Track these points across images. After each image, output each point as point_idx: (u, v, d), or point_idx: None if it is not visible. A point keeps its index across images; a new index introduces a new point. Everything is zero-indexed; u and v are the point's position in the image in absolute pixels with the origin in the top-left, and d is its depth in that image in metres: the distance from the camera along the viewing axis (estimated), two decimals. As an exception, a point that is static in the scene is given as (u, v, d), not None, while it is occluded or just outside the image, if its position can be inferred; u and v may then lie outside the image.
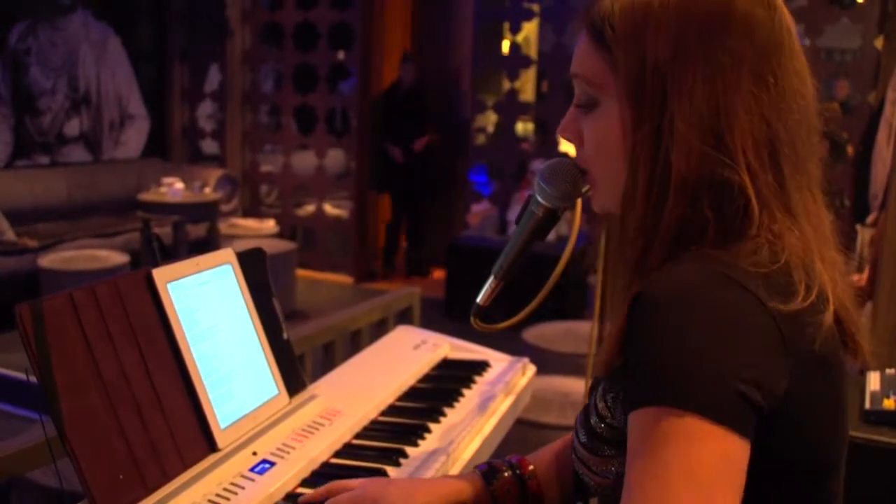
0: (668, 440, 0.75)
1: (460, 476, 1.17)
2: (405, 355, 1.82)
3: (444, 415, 1.55)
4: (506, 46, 7.05)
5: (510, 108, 6.43)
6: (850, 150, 4.96)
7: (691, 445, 0.74)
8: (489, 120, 9.14)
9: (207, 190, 5.96)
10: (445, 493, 1.11)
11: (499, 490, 1.14)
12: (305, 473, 1.29)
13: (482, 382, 1.73)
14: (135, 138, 6.85)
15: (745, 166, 0.83)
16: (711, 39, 0.83)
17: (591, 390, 0.99)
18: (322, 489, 1.16)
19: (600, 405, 0.94)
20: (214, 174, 6.55)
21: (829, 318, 0.83)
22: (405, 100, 6.33)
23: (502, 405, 1.66)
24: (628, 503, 0.76)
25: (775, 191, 0.85)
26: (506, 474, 1.15)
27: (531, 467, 1.17)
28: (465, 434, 1.47)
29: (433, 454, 1.39)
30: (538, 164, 5.74)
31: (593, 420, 0.94)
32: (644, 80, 0.84)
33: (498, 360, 1.86)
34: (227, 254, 1.40)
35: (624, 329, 0.83)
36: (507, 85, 6.48)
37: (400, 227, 6.72)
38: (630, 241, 0.87)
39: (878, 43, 4.78)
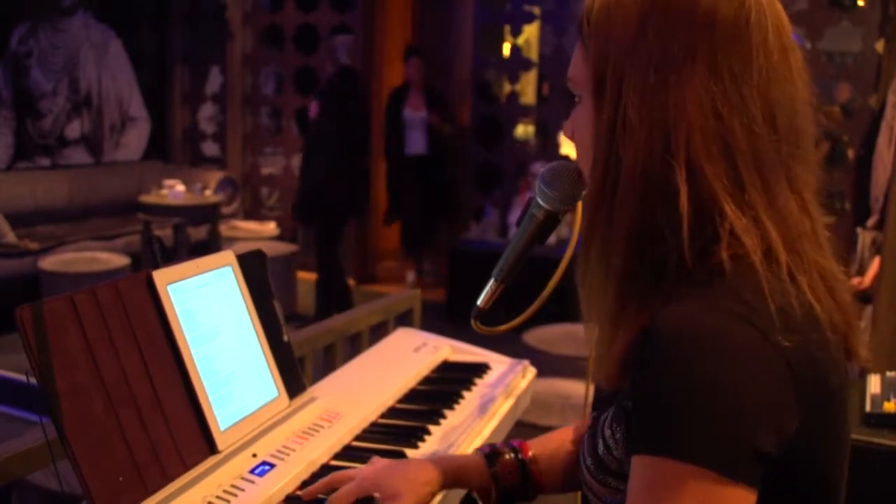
0: (676, 493, 0.74)
1: (461, 456, 1.17)
2: (405, 357, 1.82)
3: (444, 417, 1.55)
4: (506, 49, 7.04)
5: (511, 110, 6.43)
6: (850, 153, 4.96)
7: (700, 498, 0.73)
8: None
9: (208, 192, 5.96)
10: (445, 471, 1.12)
11: (500, 472, 1.14)
12: (305, 475, 1.29)
13: (482, 385, 1.73)
14: (136, 140, 6.85)
15: (685, 165, 0.80)
16: (670, 32, 0.82)
17: (598, 412, 0.98)
18: (325, 480, 1.16)
19: (607, 433, 0.93)
20: (215, 176, 6.55)
21: (828, 337, 0.82)
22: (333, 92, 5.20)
23: (502, 407, 1.66)
24: None
25: (727, 186, 0.81)
26: (507, 457, 1.16)
27: (531, 452, 1.17)
28: (465, 436, 1.47)
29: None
30: (539, 167, 5.75)
31: (600, 449, 0.94)
32: (606, 70, 0.84)
33: (498, 363, 1.86)
34: (228, 256, 1.40)
35: (626, 350, 0.82)
36: (507, 87, 6.49)
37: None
38: (589, 235, 0.86)
39: (879, 46, 4.78)
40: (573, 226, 1.24)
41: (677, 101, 0.81)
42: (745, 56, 0.82)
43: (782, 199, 0.83)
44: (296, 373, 1.48)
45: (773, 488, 0.78)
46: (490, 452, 1.16)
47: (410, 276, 6.56)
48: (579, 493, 1.14)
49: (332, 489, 1.14)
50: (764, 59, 0.83)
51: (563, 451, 1.20)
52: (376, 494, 1.09)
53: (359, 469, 1.15)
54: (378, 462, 1.16)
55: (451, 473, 1.12)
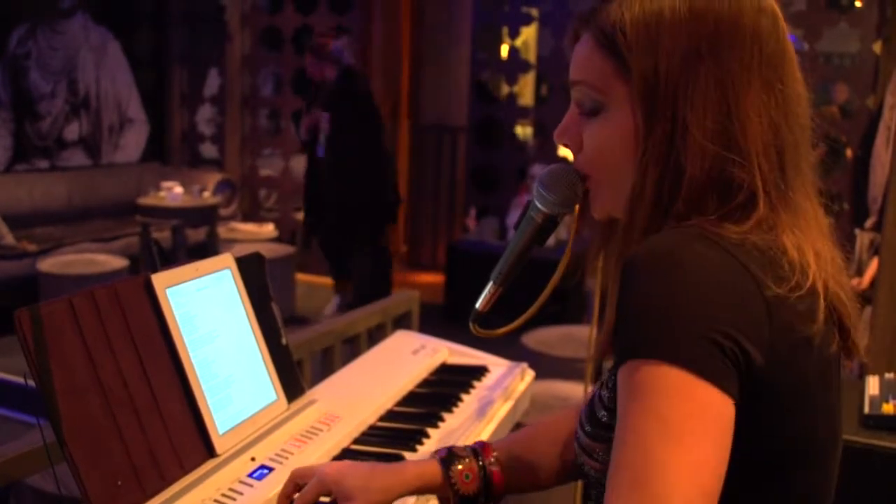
0: (647, 392, 0.76)
1: (421, 461, 1.15)
2: (404, 360, 1.82)
3: (442, 420, 1.55)
4: (505, 51, 7.05)
5: (509, 112, 6.44)
6: (849, 154, 4.96)
7: (670, 396, 0.75)
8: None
9: (206, 194, 5.96)
10: (404, 479, 1.10)
11: (457, 476, 1.12)
12: (304, 479, 1.29)
13: (481, 387, 1.73)
14: (134, 142, 6.85)
15: (757, 167, 0.86)
16: (722, 47, 0.86)
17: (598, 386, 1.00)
18: (288, 480, 1.13)
19: (604, 392, 0.95)
20: (213, 178, 6.55)
21: (819, 306, 0.84)
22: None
23: (501, 410, 1.66)
24: (613, 456, 0.78)
25: (780, 192, 0.87)
26: (465, 461, 1.13)
27: (494, 454, 1.16)
28: (463, 439, 1.47)
29: (432, 459, 1.38)
30: (537, 169, 5.75)
31: (598, 411, 0.95)
32: (657, 85, 0.87)
33: (497, 365, 1.86)
34: (227, 259, 1.40)
35: None
36: (506, 89, 6.49)
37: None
38: (636, 241, 0.88)
39: (877, 47, 4.78)
40: (571, 228, 1.24)
41: (739, 112, 0.86)
42: (788, 68, 0.89)
43: (812, 201, 0.91)
44: (294, 376, 1.48)
45: (746, 431, 0.79)
46: (447, 456, 1.14)
47: (333, 303, 5.57)
48: (579, 486, 1.13)
49: (298, 487, 1.12)
50: (797, 69, 0.91)
51: (535, 448, 1.18)
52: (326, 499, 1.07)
53: (321, 465, 1.12)
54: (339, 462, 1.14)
55: (412, 480, 1.10)
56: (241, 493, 1.20)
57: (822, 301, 0.85)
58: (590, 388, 2.20)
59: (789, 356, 0.82)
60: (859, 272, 3.31)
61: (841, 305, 0.89)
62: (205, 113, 7.24)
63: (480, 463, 1.14)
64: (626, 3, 0.89)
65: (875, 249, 3.23)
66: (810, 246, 0.87)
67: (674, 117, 0.86)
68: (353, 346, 2.33)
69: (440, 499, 1.14)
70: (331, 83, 5.00)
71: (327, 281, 6.14)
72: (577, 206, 1.10)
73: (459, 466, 1.13)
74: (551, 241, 1.14)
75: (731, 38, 0.86)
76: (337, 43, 5.06)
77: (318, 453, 1.34)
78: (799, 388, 0.84)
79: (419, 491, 1.11)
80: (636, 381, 0.77)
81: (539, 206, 1.07)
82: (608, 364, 0.94)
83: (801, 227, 0.88)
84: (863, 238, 3.43)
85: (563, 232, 4.74)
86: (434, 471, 1.12)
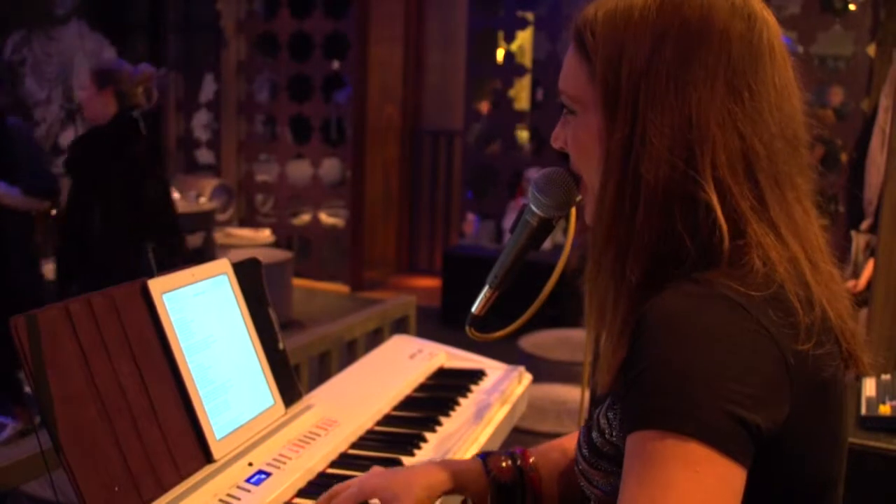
0: (667, 464, 0.74)
1: (461, 461, 1.17)
2: (401, 364, 1.82)
3: (440, 424, 1.55)
4: (500, 55, 7.06)
5: (505, 116, 6.44)
6: (843, 156, 4.97)
7: (691, 470, 0.74)
8: (484, 128, 9.16)
9: (203, 199, 5.96)
10: (444, 478, 1.11)
11: (498, 476, 1.14)
12: (301, 484, 1.29)
13: (478, 391, 1.73)
14: (130, 148, 6.84)
15: (712, 182, 0.82)
16: (688, 51, 0.83)
17: (595, 405, 0.99)
18: (324, 496, 1.14)
19: (602, 421, 0.94)
20: (210, 184, 6.54)
21: (832, 337, 0.84)
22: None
23: (498, 413, 1.66)
24: None
25: (753, 205, 0.83)
26: (505, 464, 1.15)
27: (532, 459, 1.17)
28: (460, 443, 1.47)
29: (429, 463, 1.39)
30: (533, 173, 5.75)
31: (594, 435, 0.94)
32: (619, 88, 0.85)
33: (494, 369, 1.86)
34: (223, 264, 1.40)
35: (625, 351, 0.82)
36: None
37: None
38: (602, 250, 0.87)
39: (871, 50, 4.80)
40: (568, 231, 1.24)
41: (699, 120, 0.82)
42: (761, 74, 0.85)
43: (797, 212, 0.86)
44: (292, 381, 1.48)
45: (766, 476, 0.79)
46: (488, 457, 1.16)
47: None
48: None
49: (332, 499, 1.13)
50: (777, 75, 0.86)
51: (564, 459, 1.19)
52: (374, 501, 1.09)
53: (360, 476, 1.14)
54: (378, 469, 1.16)
55: (451, 479, 1.12)
56: (239, 499, 1.19)
57: (833, 327, 0.84)
58: (586, 392, 2.20)
59: (807, 404, 0.81)
60: (855, 274, 3.31)
61: (842, 325, 0.87)
62: (201, 119, 7.24)
63: (518, 464, 1.16)
64: (602, 3, 0.88)
65: (871, 251, 3.24)
66: (806, 264, 0.84)
67: (633, 122, 0.84)
68: (351, 351, 2.33)
69: (475, 502, 1.15)
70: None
71: (323, 286, 6.15)
72: (573, 210, 1.10)
73: (500, 467, 1.15)
74: (548, 244, 1.14)
75: (698, 40, 0.83)
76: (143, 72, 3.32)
77: (315, 458, 1.34)
78: (817, 429, 0.84)
79: (459, 489, 1.13)
80: (658, 453, 0.75)
81: (534, 209, 1.07)
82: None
83: (789, 243, 0.84)
84: (858, 240, 3.44)
85: (559, 235, 4.74)
86: (475, 469, 1.14)
